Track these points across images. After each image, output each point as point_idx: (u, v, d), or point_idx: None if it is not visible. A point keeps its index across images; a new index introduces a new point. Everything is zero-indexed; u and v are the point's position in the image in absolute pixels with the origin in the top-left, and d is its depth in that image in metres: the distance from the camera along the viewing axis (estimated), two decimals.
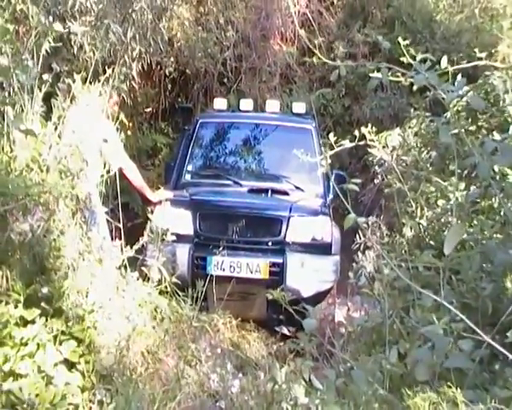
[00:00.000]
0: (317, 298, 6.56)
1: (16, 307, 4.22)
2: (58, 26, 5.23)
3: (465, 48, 9.91)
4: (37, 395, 3.91)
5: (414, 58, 3.62)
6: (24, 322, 4.21)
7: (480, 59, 4.49)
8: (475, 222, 4.17)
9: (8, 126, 4.75)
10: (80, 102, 5.39)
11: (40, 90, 5.09)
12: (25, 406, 3.85)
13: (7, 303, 4.21)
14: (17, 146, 4.75)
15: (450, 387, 2.78)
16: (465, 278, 3.75)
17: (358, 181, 3.68)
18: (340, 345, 4.28)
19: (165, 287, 5.42)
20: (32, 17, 4.61)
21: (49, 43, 5.26)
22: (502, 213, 3.88)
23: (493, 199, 4.06)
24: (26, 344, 4.12)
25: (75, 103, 5.36)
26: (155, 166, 11.29)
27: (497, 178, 3.94)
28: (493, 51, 6.01)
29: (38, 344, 4.15)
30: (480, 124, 4.80)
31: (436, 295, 3.06)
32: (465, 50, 9.39)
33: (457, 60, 4.07)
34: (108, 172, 5.39)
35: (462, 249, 3.98)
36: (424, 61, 3.64)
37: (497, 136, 4.47)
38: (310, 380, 3.76)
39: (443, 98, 3.45)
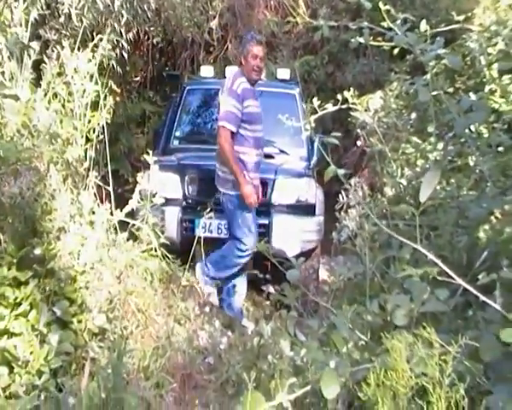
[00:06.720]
0: (302, 257, 6.67)
1: (10, 268, 4.27)
2: None
3: (444, 13, 9.95)
4: (31, 353, 3.97)
5: (394, 22, 3.72)
6: (17, 283, 4.25)
7: (458, 22, 4.59)
8: (452, 180, 4.26)
9: None
10: None
11: (29, 57, 5.16)
12: (19, 363, 3.91)
13: (0, 265, 4.25)
14: (7, 112, 4.81)
15: (425, 328, 2.89)
16: (442, 233, 3.85)
17: (338, 134, 3.76)
18: (323, 300, 4.39)
19: (155, 249, 5.52)
20: None
21: (38, 10, 5.32)
22: (477, 171, 3.96)
23: (469, 157, 4.15)
24: (19, 304, 4.18)
25: None
26: (144, 133, 11.38)
27: (473, 136, 4.06)
28: (470, 15, 6.06)
29: (32, 304, 4.20)
30: (457, 86, 4.89)
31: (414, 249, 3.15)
32: (444, 16, 9.45)
33: (436, 24, 4.15)
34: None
35: (440, 206, 4.09)
36: (404, 21, 3.75)
37: (473, 96, 4.58)
38: (294, 335, 3.88)
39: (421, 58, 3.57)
